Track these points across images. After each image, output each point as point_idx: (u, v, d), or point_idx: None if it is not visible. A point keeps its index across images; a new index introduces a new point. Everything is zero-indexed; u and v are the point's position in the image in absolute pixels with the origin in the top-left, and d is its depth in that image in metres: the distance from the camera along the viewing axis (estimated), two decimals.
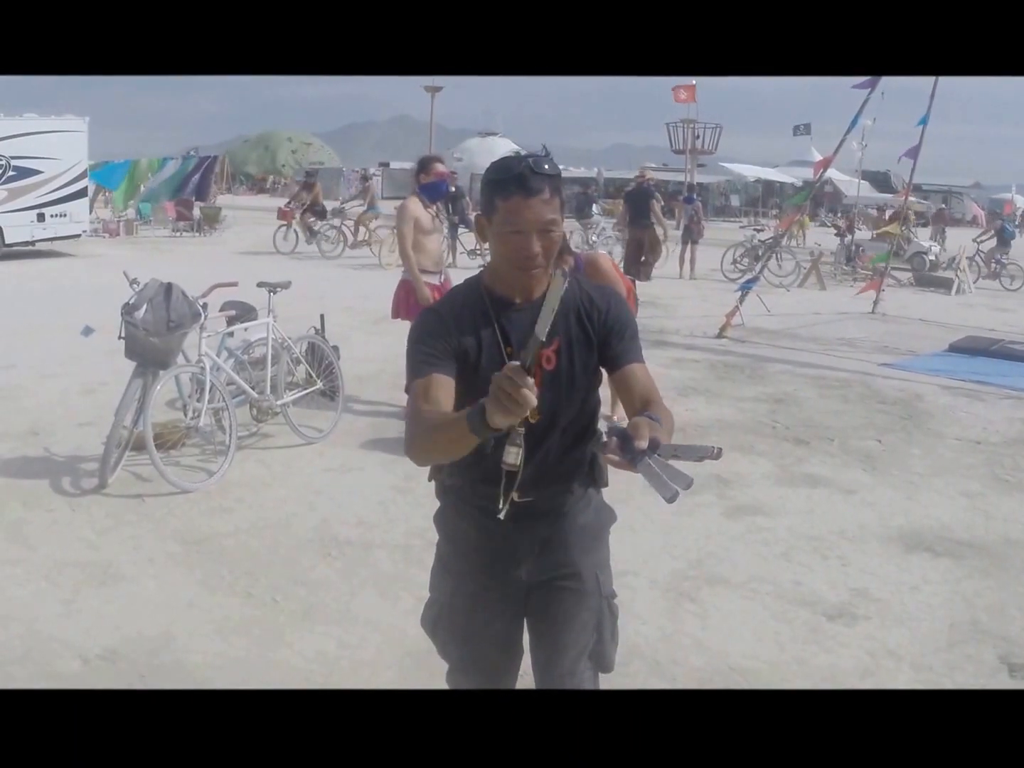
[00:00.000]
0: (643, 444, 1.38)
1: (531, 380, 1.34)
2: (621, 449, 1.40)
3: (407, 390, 1.70)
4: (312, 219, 15.77)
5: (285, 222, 15.93)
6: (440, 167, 5.52)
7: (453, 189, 15.38)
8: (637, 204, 11.94)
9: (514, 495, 1.75)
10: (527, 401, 1.32)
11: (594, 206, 16.77)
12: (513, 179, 1.62)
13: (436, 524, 1.92)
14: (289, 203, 16.89)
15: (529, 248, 1.63)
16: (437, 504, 1.95)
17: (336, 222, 15.69)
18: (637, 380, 1.69)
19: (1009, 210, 26.60)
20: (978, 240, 16.28)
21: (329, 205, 17.13)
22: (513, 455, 1.63)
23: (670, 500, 1.36)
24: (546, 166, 1.63)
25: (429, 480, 1.91)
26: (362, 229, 15.86)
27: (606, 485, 1.88)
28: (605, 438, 1.43)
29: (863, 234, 19.10)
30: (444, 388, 1.64)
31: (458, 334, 1.68)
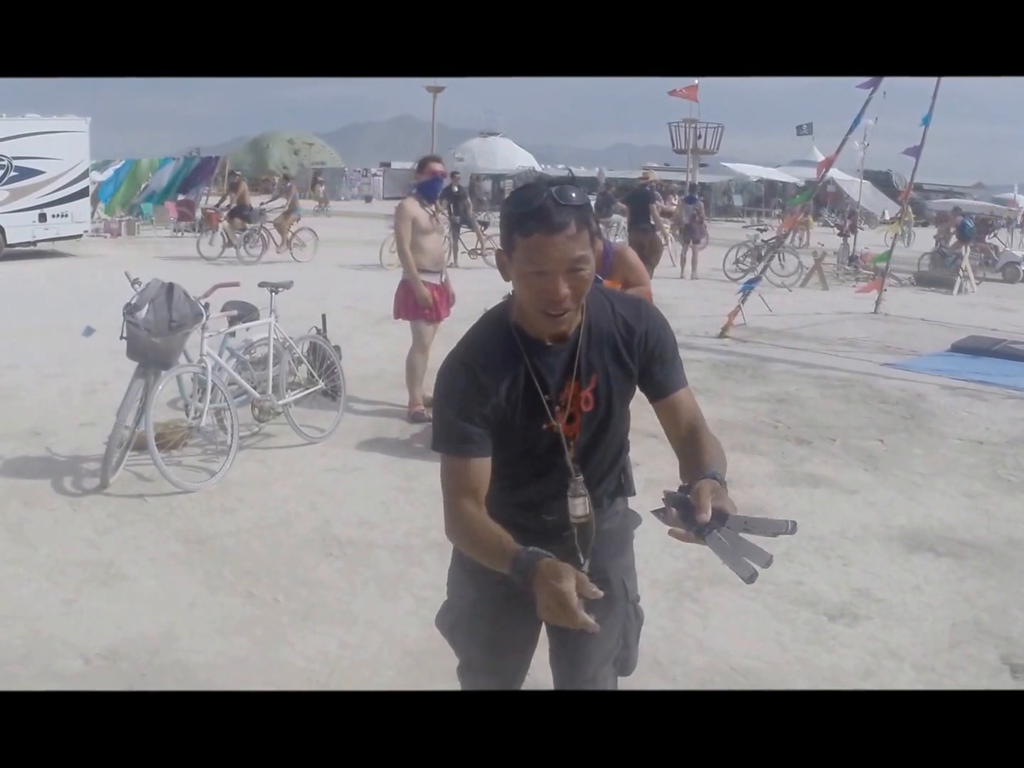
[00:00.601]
0: (706, 517, 1.29)
1: (574, 607, 1.29)
2: (683, 520, 1.31)
3: (434, 448, 1.62)
4: (238, 222, 14.48)
5: (211, 226, 14.92)
6: (436, 166, 5.52)
7: (456, 189, 15.42)
8: (636, 207, 11.60)
9: (545, 516, 1.70)
10: (576, 622, 1.29)
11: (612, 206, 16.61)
12: (534, 213, 1.45)
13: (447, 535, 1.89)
14: (217, 205, 15.77)
15: (555, 291, 1.47)
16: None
17: (255, 225, 14.44)
18: (684, 408, 1.61)
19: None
20: (939, 237, 16.32)
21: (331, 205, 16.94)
22: (580, 506, 1.63)
23: (749, 580, 1.25)
24: (573, 195, 1.46)
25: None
26: (285, 232, 14.65)
27: (633, 494, 1.85)
28: (664, 506, 1.34)
29: (866, 235, 19.01)
30: (482, 474, 1.56)
31: (493, 388, 1.55)
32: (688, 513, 1.31)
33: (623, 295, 1.73)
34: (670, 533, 1.34)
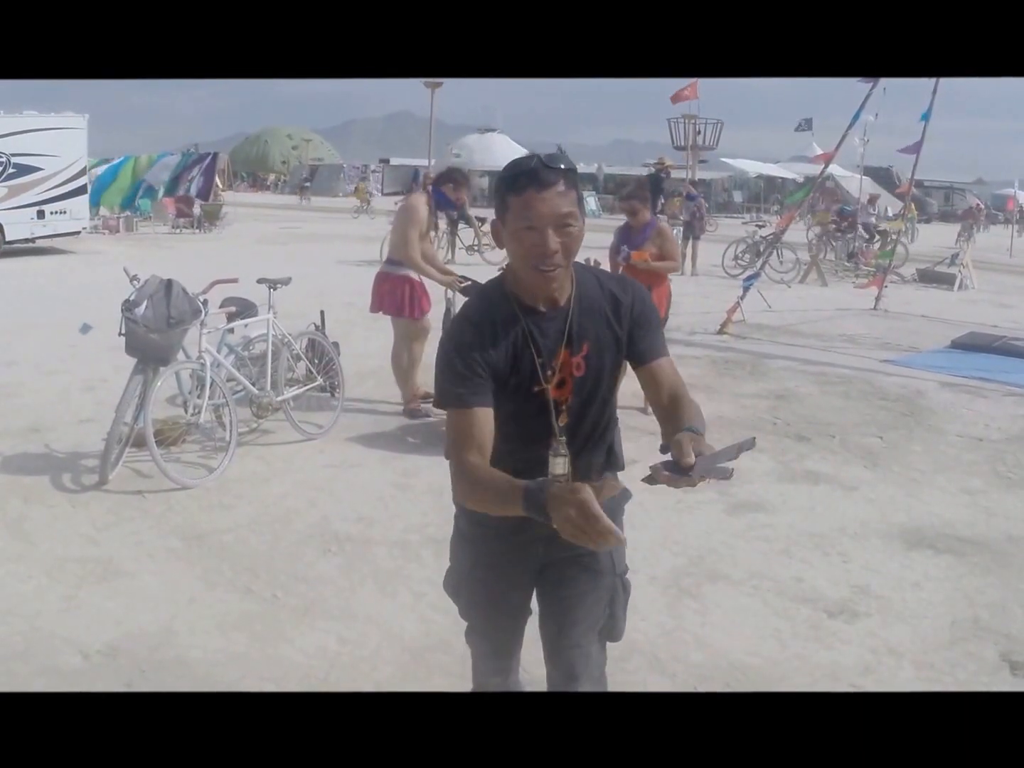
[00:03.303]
0: (690, 460, 1.41)
1: (598, 512, 1.30)
2: (673, 475, 1.41)
3: (438, 405, 1.71)
4: None
5: None
6: (464, 194, 5.63)
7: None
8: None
9: (531, 477, 1.77)
10: (604, 533, 1.30)
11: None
12: (525, 173, 1.57)
13: (456, 502, 1.94)
14: None
15: (545, 244, 1.57)
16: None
17: None
18: (665, 376, 1.70)
19: (1011, 206, 26.44)
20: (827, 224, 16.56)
21: (327, 202, 16.80)
22: (560, 466, 1.71)
23: (728, 477, 1.42)
24: (561, 162, 1.60)
25: (447, 458, 1.93)
26: None
27: (622, 469, 1.93)
28: (651, 474, 1.44)
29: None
30: (487, 426, 1.62)
31: (492, 345, 1.65)
32: (674, 468, 1.42)
33: (608, 273, 1.85)
34: (665, 482, 1.42)
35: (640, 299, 1.74)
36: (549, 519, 1.37)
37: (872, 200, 20.71)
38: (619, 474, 1.96)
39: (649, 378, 1.71)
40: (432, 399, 5.76)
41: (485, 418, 1.62)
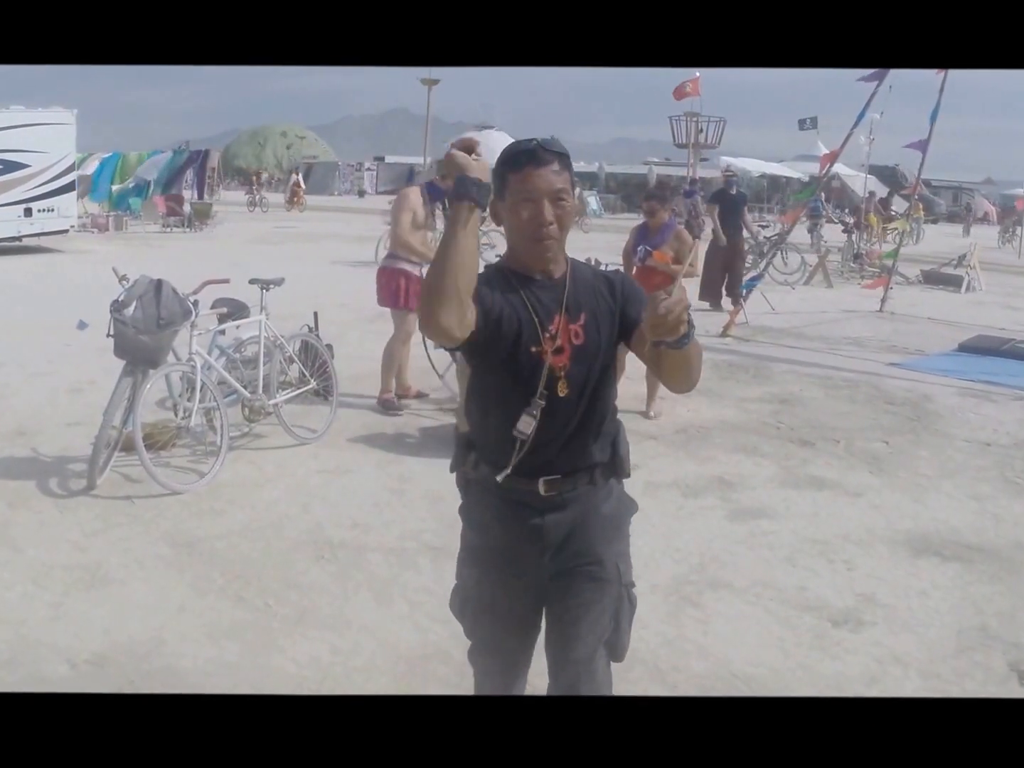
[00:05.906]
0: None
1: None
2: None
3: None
4: None
5: None
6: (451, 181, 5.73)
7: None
8: (727, 205, 10.13)
9: (540, 488, 1.78)
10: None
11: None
12: (524, 152, 1.70)
13: (461, 515, 1.96)
14: None
15: (542, 215, 1.68)
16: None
17: None
18: None
19: (1021, 206, 26.27)
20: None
21: (325, 200, 16.71)
22: (526, 423, 1.73)
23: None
24: (556, 148, 1.72)
25: (451, 471, 1.93)
26: None
27: (628, 476, 1.92)
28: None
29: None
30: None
31: (489, 301, 1.71)
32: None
33: (599, 269, 1.94)
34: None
35: (629, 281, 1.85)
36: (465, 183, 1.56)
37: None
38: (624, 482, 1.94)
39: (640, 336, 1.71)
40: (420, 395, 5.71)
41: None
